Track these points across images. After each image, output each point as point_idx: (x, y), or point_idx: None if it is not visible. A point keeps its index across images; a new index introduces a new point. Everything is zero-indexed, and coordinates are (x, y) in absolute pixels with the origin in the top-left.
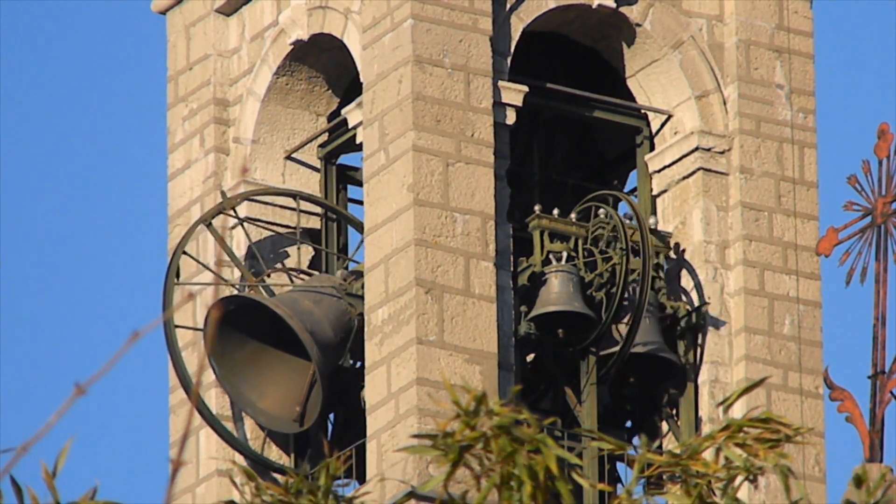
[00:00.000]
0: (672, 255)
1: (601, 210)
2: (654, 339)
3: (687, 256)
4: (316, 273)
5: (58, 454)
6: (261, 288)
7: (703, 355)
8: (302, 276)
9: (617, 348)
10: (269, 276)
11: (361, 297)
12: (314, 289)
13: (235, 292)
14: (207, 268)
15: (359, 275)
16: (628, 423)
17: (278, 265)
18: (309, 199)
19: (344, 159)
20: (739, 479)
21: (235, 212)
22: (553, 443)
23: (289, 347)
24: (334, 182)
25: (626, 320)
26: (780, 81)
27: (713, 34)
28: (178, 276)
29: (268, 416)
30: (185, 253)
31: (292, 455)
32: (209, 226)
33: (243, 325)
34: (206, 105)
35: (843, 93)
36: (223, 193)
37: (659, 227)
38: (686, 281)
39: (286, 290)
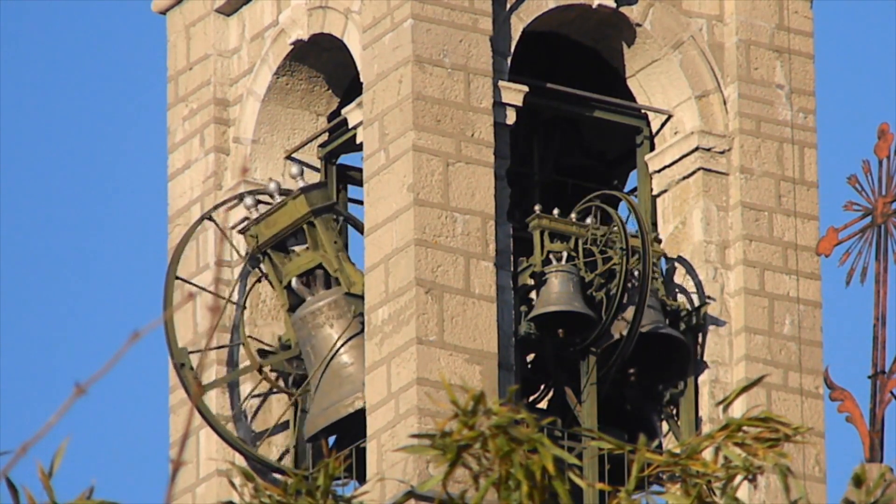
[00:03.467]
0: (666, 256)
1: (607, 209)
2: (657, 318)
3: (687, 256)
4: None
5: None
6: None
7: (703, 355)
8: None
9: (625, 331)
10: (260, 280)
11: (361, 297)
12: (327, 361)
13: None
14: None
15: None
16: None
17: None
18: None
19: (344, 159)
20: (738, 478)
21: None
22: (550, 442)
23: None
24: (334, 182)
25: (627, 312)
26: (780, 81)
27: (713, 34)
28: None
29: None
30: (171, 310)
31: (294, 455)
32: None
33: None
34: (206, 105)
35: (843, 93)
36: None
37: (654, 232)
38: (686, 281)
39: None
